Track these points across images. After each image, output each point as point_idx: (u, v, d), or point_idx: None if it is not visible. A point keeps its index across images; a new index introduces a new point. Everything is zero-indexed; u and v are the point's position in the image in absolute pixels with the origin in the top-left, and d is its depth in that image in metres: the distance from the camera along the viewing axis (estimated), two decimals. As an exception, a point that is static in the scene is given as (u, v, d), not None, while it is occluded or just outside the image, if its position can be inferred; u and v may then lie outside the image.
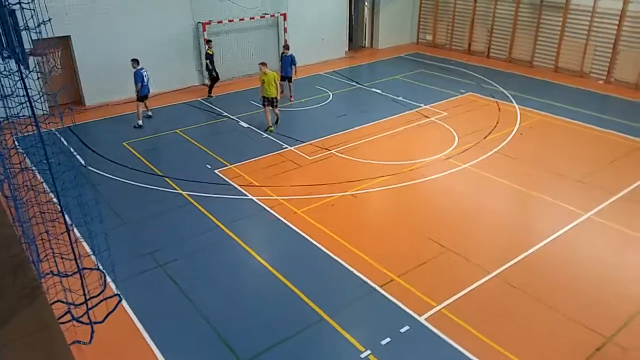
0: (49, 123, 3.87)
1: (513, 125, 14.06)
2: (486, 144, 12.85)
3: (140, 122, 14.20)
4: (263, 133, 13.67)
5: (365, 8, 22.57)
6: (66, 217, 2.71)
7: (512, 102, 15.83)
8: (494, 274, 8.18)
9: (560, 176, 11.25)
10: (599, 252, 8.80)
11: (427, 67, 19.89)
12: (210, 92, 16.59)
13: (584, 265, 8.49)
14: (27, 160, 6.67)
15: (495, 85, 17.49)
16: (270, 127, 13.71)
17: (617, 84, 17.42)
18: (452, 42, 22.25)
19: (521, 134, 13.47)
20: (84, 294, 2.74)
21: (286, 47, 16.17)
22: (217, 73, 16.26)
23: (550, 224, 9.59)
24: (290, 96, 16.08)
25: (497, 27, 20.57)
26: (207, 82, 17.03)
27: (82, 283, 2.78)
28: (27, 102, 2.58)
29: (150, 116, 14.86)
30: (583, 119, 14.35)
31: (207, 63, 16.14)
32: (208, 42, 16.33)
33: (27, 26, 3.68)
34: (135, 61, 13.85)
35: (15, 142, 5.72)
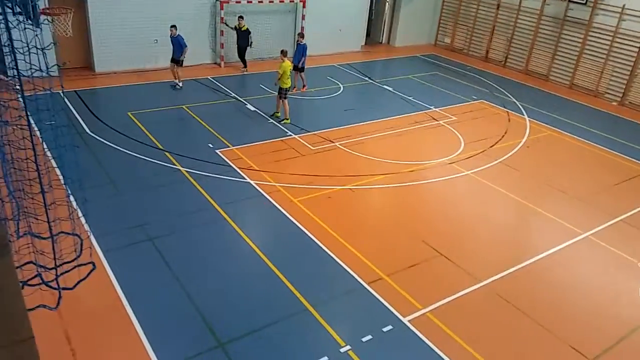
0: (52, 86, 3.79)
1: (521, 137, 13.92)
2: (492, 152, 12.72)
3: (180, 84, 14.95)
4: (269, 118, 13.57)
5: (387, 4, 22.33)
6: (42, 178, 2.64)
7: (523, 114, 15.66)
8: (484, 283, 8.10)
9: (562, 193, 11.13)
10: (592, 273, 8.70)
11: (442, 70, 19.70)
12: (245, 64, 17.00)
13: (576, 284, 8.40)
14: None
15: (509, 95, 17.30)
16: (286, 119, 13.33)
17: (631, 107, 17.21)
18: (470, 48, 22.03)
19: (528, 147, 13.32)
20: (54, 259, 2.66)
21: (301, 35, 15.87)
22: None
23: (547, 239, 9.49)
24: (303, 86, 15.80)
25: (516, 37, 20.34)
26: (221, 63, 16.90)
27: (52, 247, 2.71)
28: (13, 59, 2.49)
29: (176, 86, 15.14)
30: (592, 139, 14.18)
31: (248, 38, 16.41)
32: (240, 18, 16.34)
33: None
34: (174, 27, 14.38)
35: (20, 101, 5.64)
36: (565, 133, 14.44)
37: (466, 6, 21.86)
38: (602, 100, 17.76)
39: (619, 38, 17.26)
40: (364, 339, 6.77)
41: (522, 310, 7.60)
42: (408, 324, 7.08)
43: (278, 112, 13.58)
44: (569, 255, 9.14)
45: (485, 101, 16.54)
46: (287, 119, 13.29)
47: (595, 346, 7.10)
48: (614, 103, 17.56)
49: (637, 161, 12.95)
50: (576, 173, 12.20)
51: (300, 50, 15.29)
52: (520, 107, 16.24)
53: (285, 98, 13.32)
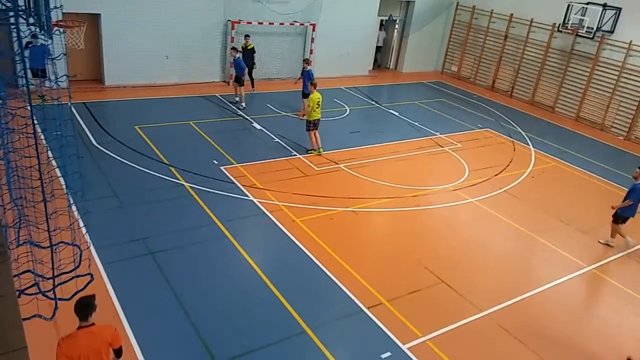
0: (60, 97, 3.79)
1: (526, 167, 13.89)
2: (496, 181, 12.68)
3: (238, 100, 15.61)
4: (274, 137, 13.60)
5: (395, 30, 22.60)
6: (44, 188, 2.62)
7: (528, 144, 15.67)
8: (485, 312, 7.97)
9: (565, 225, 11.04)
10: (595, 307, 8.57)
11: (448, 97, 19.81)
12: (252, 84, 17.05)
13: (579, 318, 8.26)
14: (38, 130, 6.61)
15: (514, 125, 17.34)
16: (320, 149, 12.93)
17: (637, 141, 17.20)
18: (477, 77, 22.19)
19: (533, 177, 13.28)
20: (52, 269, 2.62)
21: (307, 61, 15.40)
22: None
23: (550, 271, 9.37)
24: (304, 115, 14.61)
25: (523, 68, 20.49)
26: (230, 81, 17.06)
27: (51, 257, 2.67)
28: (23, 68, 2.50)
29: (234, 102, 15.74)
30: (598, 172, 14.14)
31: (253, 57, 16.48)
32: (247, 37, 16.50)
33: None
34: (234, 49, 15.47)
35: (28, 109, 5.66)
36: (571, 165, 14.41)
37: (474, 36, 22.09)
38: (608, 134, 17.76)
39: (626, 73, 17.36)
40: (361, 365, 6.64)
41: (524, 342, 7.46)
42: (407, 352, 6.94)
43: (314, 149, 12.97)
44: (573, 288, 9.01)
45: (490, 130, 16.57)
46: (321, 149, 12.93)
47: (598, 383, 6.94)
48: (620, 137, 17.56)
49: (642, 196, 12.86)
50: (581, 205, 12.12)
51: (307, 77, 14.90)
52: (526, 137, 16.25)
53: (314, 129, 12.85)
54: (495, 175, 13.06)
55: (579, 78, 18.75)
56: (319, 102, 12.71)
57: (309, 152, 12.95)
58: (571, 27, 18.25)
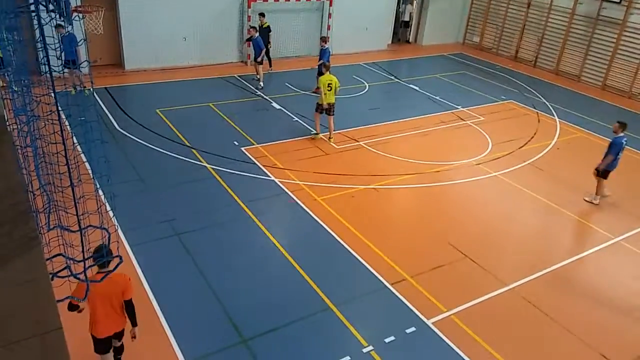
0: (83, 82, 3.85)
1: (551, 138, 13.61)
2: (520, 154, 12.48)
3: (258, 79, 15.52)
4: (294, 116, 13.58)
5: (414, 2, 22.13)
6: (72, 173, 2.69)
7: (553, 115, 15.32)
8: (511, 286, 7.95)
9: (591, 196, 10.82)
10: (623, 278, 8.45)
11: (470, 69, 19.42)
12: (270, 64, 16.84)
13: (606, 290, 8.17)
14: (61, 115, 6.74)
15: (539, 95, 16.95)
16: (330, 138, 12.28)
17: (667, 109, 16.67)
18: (500, 47, 21.66)
19: (558, 149, 13.02)
20: (83, 252, 2.71)
21: (324, 39, 14.84)
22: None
23: (576, 243, 9.27)
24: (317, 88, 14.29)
25: (547, 37, 19.91)
26: (247, 61, 17.00)
27: (81, 240, 2.75)
28: (45, 55, 2.54)
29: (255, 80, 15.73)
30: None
31: (268, 36, 16.16)
32: (262, 15, 16.28)
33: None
34: (254, 28, 15.43)
35: (52, 96, 5.76)
36: (597, 135, 14.06)
37: (496, 5, 21.50)
38: (636, 102, 17.23)
39: (656, 38, 16.74)
40: (386, 340, 6.72)
41: (550, 315, 7.43)
42: (432, 326, 6.99)
43: (317, 132, 12.44)
44: (599, 260, 8.89)
45: (514, 101, 16.24)
46: (331, 138, 12.31)
47: (627, 355, 6.89)
48: (649, 104, 17.03)
49: (672, 165, 12.53)
50: (608, 177, 11.83)
51: (322, 55, 14.57)
52: (551, 107, 15.89)
53: (321, 113, 12.27)
54: (520, 147, 12.84)
55: (606, 45, 18.14)
56: (329, 84, 11.98)
57: (312, 134, 12.46)
58: (597, -9, 17.61)
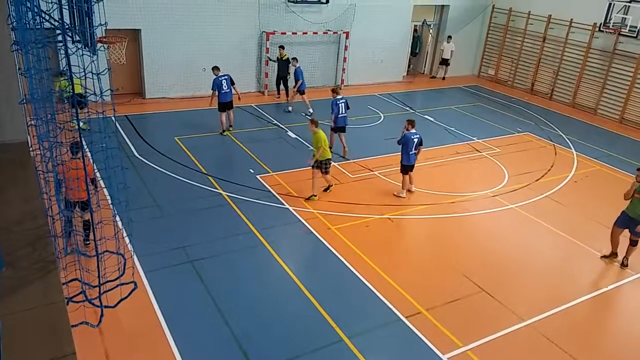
0: (105, 110, 3.96)
1: (568, 171, 13.48)
2: (537, 186, 12.35)
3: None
4: (309, 145, 13.65)
5: (430, 35, 22.42)
6: (91, 198, 2.74)
7: (570, 147, 15.21)
8: (527, 322, 7.76)
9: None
10: (646, 317, 8.20)
11: (485, 101, 19.46)
12: (287, 94, 17.11)
13: (627, 327, 7.92)
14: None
15: (555, 128, 16.87)
16: (313, 195, 10.81)
17: (687, 143, 16.45)
18: (515, 80, 21.73)
19: (575, 182, 12.88)
20: (98, 277, 2.73)
21: (334, 90, 12.97)
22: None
23: (595, 278, 9.05)
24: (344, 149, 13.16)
25: (563, 70, 19.94)
26: (265, 91, 17.25)
27: (97, 266, 2.78)
28: (70, 83, 2.62)
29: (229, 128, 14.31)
30: (645, 175, 13.55)
31: (287, 67, 16.64)
32: (281, 48, 16.70)
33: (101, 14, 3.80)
34: (215, 68, 13.62)
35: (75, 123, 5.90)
36: (615, 169, 13.89)
37: (511, 38, 21.67)
38: (655, 136, 17.06)
39: (674, 72, 16.66)
40: (400, 374, 6.57)
41: (568, 352, 7.21)
42: (447, 361, 6.83)
43: (314, 194, 10.87)
44: (620, 296, 8.67)
45: (530, 134, 16.18)
46: (315, 195, 10.82)
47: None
48: (668, 138, 16.83)
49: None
50: (627, 210, 11.63)
51: (334, 107, 12.76)
52: (568, 140, 15.79)
53: (326, 172, 10.92)
54: (536, 180, 12.72)
55: (623, 78, 18.10)
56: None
57: (310, 198, 10.80)
58: (613, 26, 17.68)
